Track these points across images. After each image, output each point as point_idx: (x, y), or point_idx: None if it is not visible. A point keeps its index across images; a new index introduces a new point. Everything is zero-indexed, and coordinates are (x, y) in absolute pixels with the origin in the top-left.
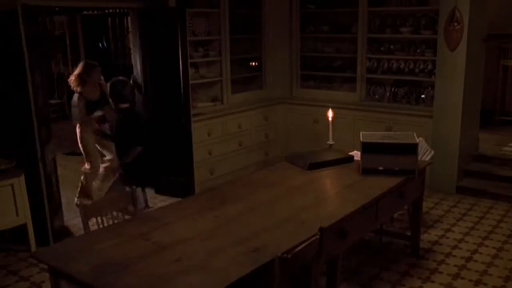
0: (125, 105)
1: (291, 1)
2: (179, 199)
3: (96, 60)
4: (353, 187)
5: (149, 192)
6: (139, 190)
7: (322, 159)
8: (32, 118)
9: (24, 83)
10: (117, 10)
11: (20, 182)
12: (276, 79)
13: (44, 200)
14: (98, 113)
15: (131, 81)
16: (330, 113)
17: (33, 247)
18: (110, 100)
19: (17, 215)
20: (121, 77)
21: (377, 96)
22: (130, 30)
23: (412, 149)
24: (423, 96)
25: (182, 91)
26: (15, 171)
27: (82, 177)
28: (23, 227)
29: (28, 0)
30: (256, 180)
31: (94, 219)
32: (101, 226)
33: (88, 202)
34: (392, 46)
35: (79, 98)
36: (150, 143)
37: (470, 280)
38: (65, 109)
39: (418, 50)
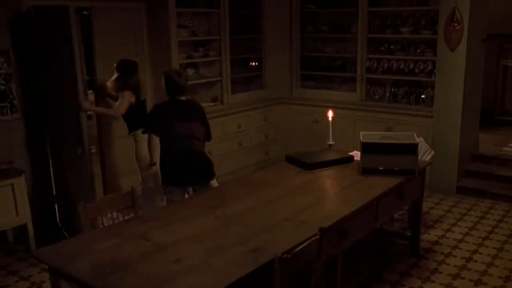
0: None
1: (291, 1)
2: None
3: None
4: (353, 187)
5: None
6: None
7: (322, 159)
8: None
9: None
10: None
11: (20, 182)
12: (276, 79)
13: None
14: None
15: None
16: (330, 114)
17: (33, 248)
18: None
19: (17, 215)
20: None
21: (377, 96)
22: None
23: (412, 149)
24: (423, 96)
25: None
26: (15, 171)
27: None
28: (24, 227)
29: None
30: (256, 180)
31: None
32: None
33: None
34: (392, 46)
35: None
36: None
37: (470, 280)
38: None
39: (418, 50)
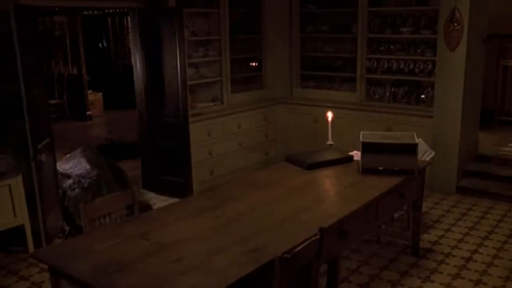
0: None
1: (291, 1)
2: (178, 199)
3: (96, 60)
4: (353, 187)
5: (150, 192)
6: None
7: (322, 159)
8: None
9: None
10: (117, 10)
11: (17, 183)
12: (276, 79)
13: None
14: None
15: None
16: (329, 115)
17: (31, 248)
18: None
19: (15, 215)
20: None
21: (377, 96)
22: (130, 30)
23: (412, 149)
24: (423, 96)
25: (180, 91)
26: (13, 172)
27: None
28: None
29: (24, 0)
30: (256, 180)
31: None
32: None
33: None
34: (392, 46)
35: None
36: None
37: (470, 280)
38: (65, 108)
39: (418, 50)
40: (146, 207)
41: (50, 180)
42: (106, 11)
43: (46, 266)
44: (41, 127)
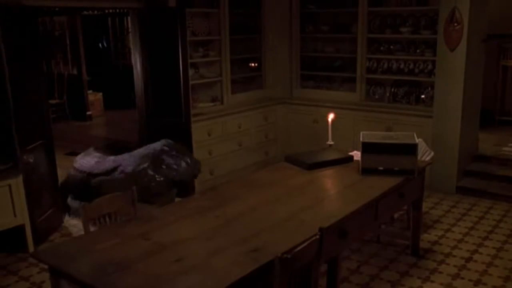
0: None
1: (291, 1)
2: (179, 199)
3: (96, 60)
4: (353, 187)
5: None
6: None
7: (322, 159)
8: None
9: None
10: (117, 10)
11: (17, 183)
12: (276, 79)
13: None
14: None
15: None
16: (330, 116)
17: (31, 248)
18: None
19: (15, 215)
20: None
21: (377, 96)
22: (130, 30)
23: (412, 149)
24: (423, 96)
25: (182, 91)
26: (13, 172)
27: None
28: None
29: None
30: (256, 180)
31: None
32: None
33: None
34: (392, 46)
35: None
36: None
37: (470, 280)
38: (65, 108)
39: (418, 50)
40: None
41: (45, 181)
42: (106, 11)
43: (46, 266)
44: (33, 128)
